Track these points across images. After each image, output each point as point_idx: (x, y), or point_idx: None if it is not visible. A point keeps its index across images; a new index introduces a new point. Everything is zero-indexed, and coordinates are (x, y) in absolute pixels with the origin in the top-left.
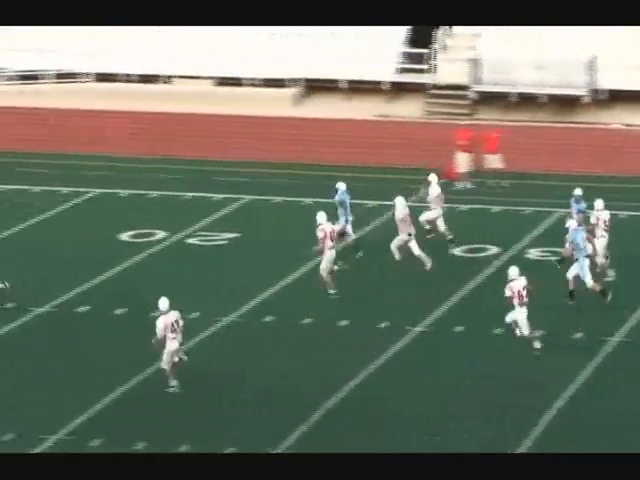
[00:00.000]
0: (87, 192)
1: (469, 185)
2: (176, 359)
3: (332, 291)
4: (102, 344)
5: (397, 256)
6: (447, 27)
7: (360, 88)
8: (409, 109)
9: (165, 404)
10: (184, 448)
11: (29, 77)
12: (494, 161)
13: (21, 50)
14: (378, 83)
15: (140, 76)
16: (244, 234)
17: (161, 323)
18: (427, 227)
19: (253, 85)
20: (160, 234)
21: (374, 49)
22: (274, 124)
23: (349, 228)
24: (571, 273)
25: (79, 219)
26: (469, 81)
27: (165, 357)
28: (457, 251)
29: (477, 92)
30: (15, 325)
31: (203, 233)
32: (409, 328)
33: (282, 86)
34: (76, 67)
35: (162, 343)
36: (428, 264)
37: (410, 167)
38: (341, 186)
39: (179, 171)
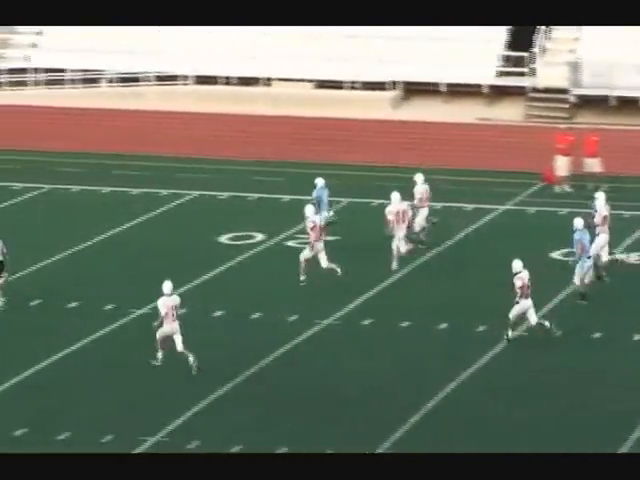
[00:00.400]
0: (187, 194)
1: (568, 188)
2: (179, 347)
3: (302, 277)
4: (200, 346)
5: (403, 249)
6: (547, 30)
7: (460, 91)
8: (509, 112)
9: (263, 405)
10: (282, 449)
11: (129, 79)
12: (593, 165)
13: (122, 52)
14: (478, 86)
15: (240, 79)
16: (343, 237)
17: (163, 305)
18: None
19: (353, 88)
20: (259, 237)
21: (474, 52)
22: (373, 127)
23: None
24: (577, 278)
25: (179, 221)
26: (569, 84)
27: (160, 333)
28: (555, 254)
29: (577, 95)
30: (115, 326)
31: (302, 236)
32: (506, 333)
33: (382, 89)
34: (176, 69)
35: (162, 323)
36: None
37: (509, 170)
38: (319, 182)
39: (277, 173)
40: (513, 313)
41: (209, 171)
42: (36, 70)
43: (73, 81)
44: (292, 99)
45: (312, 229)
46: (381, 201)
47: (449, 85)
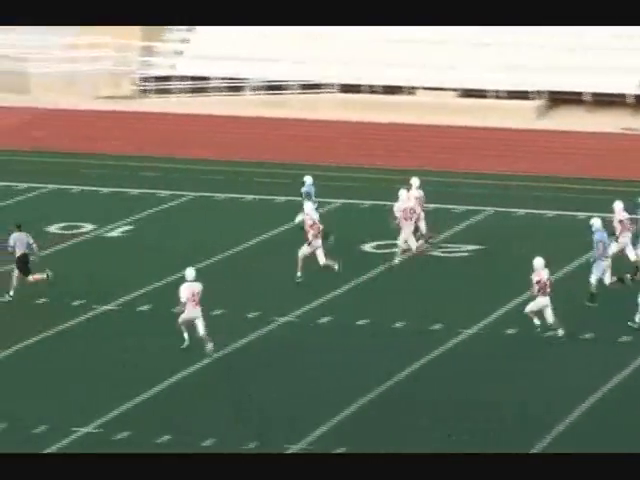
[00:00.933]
0: (331, 202)
1: None
2: (201, 332)
3: (299, 273)
4: (347, 354)
5: (414, 247)
6: None
7: (604, 101)
8: None
9: (415, 409)
10: (428, 451)
11: (274, 87)
12: None
13: (267, 60)
14: (623, 96)
15: (384, 87)
16: (488, 246)
17: (185, 290)
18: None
19: (497, 97)
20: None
21: (619, 62)
22: (517, 136)
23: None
24: (594, 276)
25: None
26: None
27: (182, 318)
28: None
29: None
30: (265, 331)
31: (446, 245)
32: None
33: (526, 98)
34: (321, 78)
35: (184, 308)
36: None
37: None
38: (307, 179)
39: (422, 183)
40: (529, 308)
41: (352, 180)
42: (181, 78)
43: (217, 89)
44: (436, 108)
45: (311, 226)
46: (525, 210)
47: (593, 95)
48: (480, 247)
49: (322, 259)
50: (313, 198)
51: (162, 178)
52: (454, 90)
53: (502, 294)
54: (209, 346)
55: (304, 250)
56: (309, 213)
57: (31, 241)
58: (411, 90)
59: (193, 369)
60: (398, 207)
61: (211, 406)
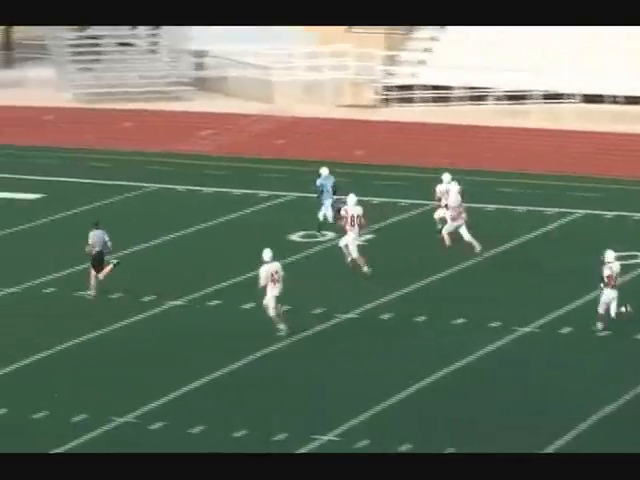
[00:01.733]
0: (572, 213)
1: None
2: (281, 309)
3: (365, 269)
4: (577, 362)
5: (448, 242)
6: None
7: None
8: None
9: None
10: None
11: (516, 97)
12: None
13: (509, 70)
14: None
15: (626, 97)
16: None
17: (264, 272)
18: (439, 226)
19: None
20: None
21: None
22: None
23: (329, 212)
24: None
25: (563, 241)
26: None
27: (269, 303)
28: None
29: None
30: (501, 343)
31: None
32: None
33: None
34: (563, 88)
35: (265, 290)
36: (478, 248)
37: None
38: (324, 171)
39: None
40: (601, 304)
41: (594, 190)
42: (424, 87)
43: (460, 98)
44: None
45: (344, 217)
46: None
47: None
48: None
49: (355, 253)
50: (330, 189)
51: (405, 187)
52: None
53: None
54: (281, 326)
55: (344, 240)
56: (348, 204)
57: (107, 238)
58: None
59: (434, 377)
60: (451, 203)
61: (453, 413)
